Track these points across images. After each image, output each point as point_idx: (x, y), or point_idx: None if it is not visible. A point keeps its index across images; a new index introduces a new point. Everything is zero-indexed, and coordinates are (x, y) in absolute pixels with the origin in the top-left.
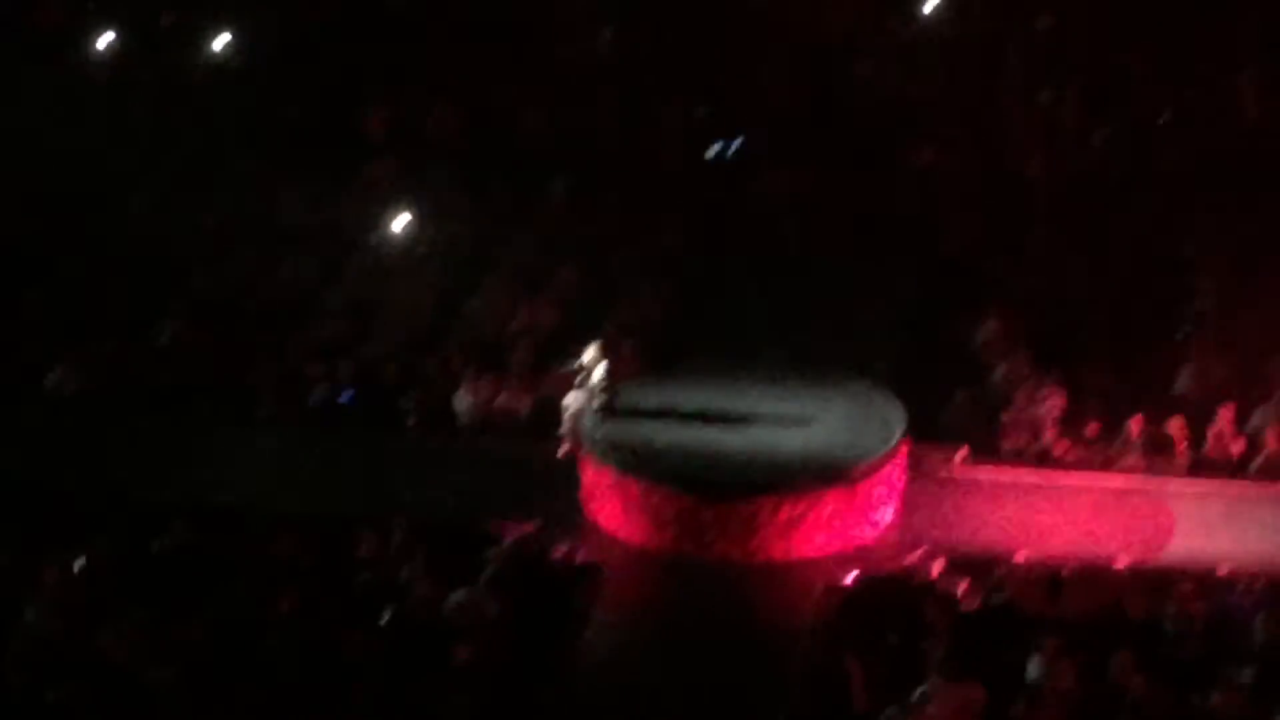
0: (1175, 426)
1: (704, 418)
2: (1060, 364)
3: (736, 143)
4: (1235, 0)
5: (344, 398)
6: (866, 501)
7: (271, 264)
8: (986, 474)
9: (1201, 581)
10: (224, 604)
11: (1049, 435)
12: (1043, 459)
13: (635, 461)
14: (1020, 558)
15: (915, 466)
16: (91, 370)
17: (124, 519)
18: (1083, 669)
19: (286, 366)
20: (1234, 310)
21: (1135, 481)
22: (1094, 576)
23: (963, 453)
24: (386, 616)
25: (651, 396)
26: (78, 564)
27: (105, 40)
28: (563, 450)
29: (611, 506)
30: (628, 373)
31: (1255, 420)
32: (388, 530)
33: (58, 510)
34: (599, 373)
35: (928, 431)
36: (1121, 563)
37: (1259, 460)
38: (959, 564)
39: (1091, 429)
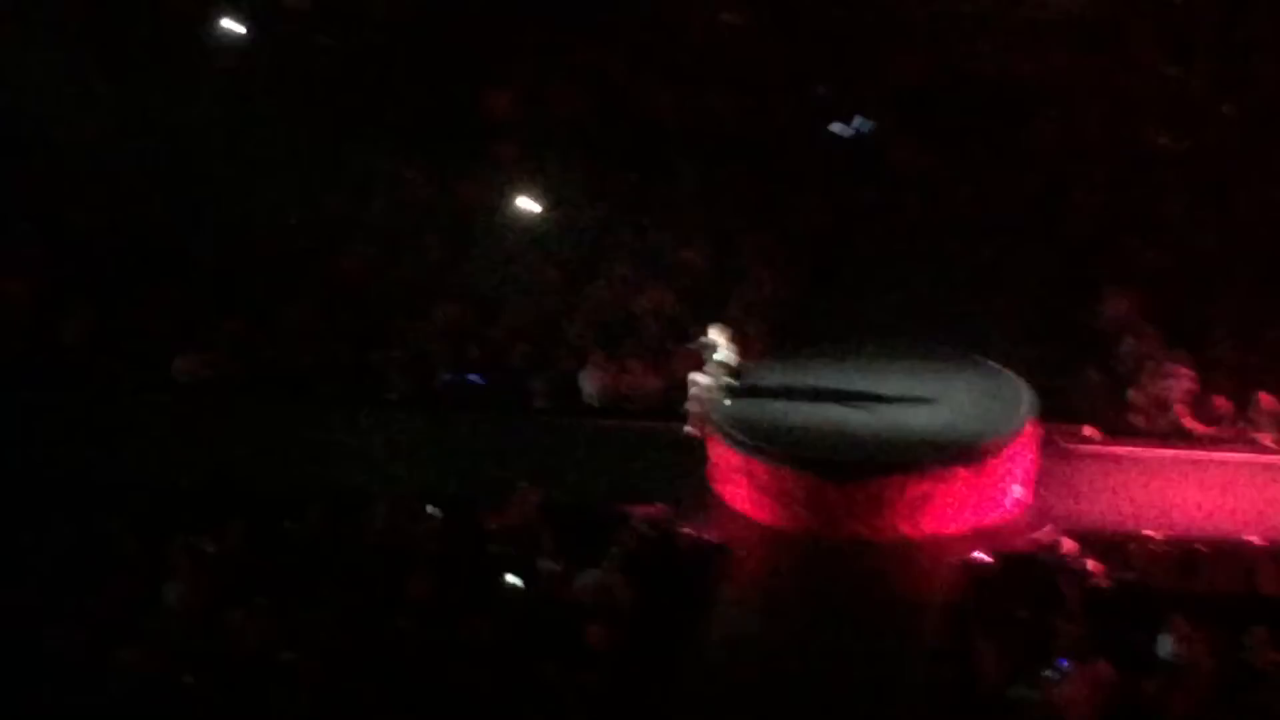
0: None
1: (830, 397)
2: (1189, 340)
3: (861, 123)
4: None
5: (472, 378)
6: (995, 480)
7: (397, 246)
8: (1116, 451)
9: None
10: (355, 587)
11: (1178, 412)
12: (1172, 435)
13: (762, 442)
14: (1151, 534)
15: (1045, 444)
16: (220, 356)
17: (256, 503)
18: (1216, 646)
19: (414, 349)
20: None
21: (1267, 456)
22: (1227, 553)
23: (1092, 430)
24: (513, 584)
25: (778, 376)
26: (211, 548)
27: (231, 26)
28: (690, 430)
29: (739, 486)
30: (753, 352)
31: None
32: (517, 512)
33: (191, 495)
34: (725, 353)
35: (1057, 410)
36: (1254, 538)
37: None
38: (1090, 541)
39: (1221, 405)
